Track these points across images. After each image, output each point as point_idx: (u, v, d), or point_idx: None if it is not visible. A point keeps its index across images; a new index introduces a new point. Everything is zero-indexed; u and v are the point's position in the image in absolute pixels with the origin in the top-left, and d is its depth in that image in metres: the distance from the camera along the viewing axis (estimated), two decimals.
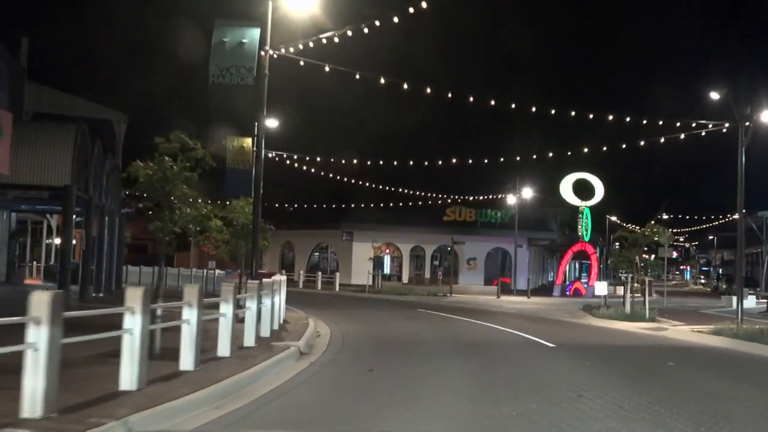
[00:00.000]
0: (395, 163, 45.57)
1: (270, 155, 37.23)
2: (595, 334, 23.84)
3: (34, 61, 39.34)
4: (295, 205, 59.85)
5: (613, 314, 29.37)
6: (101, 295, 29.46)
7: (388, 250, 61.66)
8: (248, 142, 33.55)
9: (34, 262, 46.32)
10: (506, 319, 28.41)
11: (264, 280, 19.78)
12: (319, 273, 53.72)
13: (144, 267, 53.73)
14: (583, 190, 54.55)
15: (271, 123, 34.02)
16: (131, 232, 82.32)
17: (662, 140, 27.48)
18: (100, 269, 32.40)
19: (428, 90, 25.51)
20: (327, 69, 22.83)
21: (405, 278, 60.29)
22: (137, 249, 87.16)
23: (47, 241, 45.22)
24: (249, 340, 15.06)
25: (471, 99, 26.83)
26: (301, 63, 20.68)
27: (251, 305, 15.36)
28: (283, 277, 23.42)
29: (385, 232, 59.37)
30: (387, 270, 61.80)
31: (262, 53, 21.64)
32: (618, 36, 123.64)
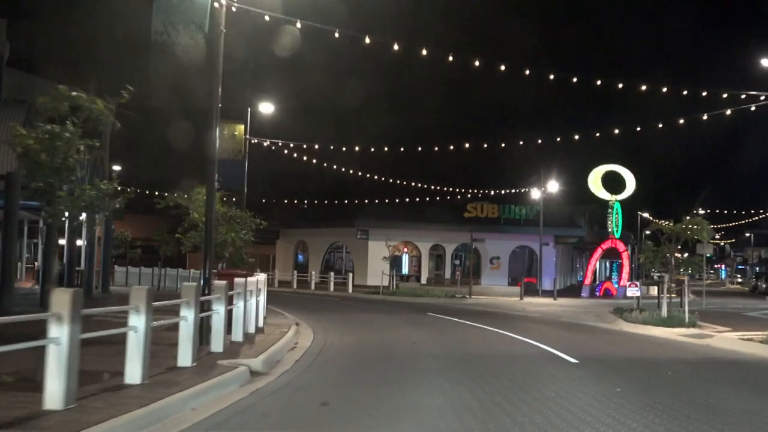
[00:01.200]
0: (413, 156, 42.30)
1: (272, 146, 34.11)
2: (628, 343, 20.39)
3: (18, 47, 36.52)
4: (306, 202, 56.75)
5: (648, 318, 25.90)
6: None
7: (405, 249, 58.34)
8: (240, 129, 30.45)
9: (35, 263, 43.61)
10: (526, 325, 25.02)
11: (236, 280, 16.62)
12: (332, 274, 50.47)
13: (144, 268, 50.80)
14: (613, 183, 50.81)
15: (266, 108, 30.91)
16: (146, 231, 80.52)
17: (705, 117, 23.97)
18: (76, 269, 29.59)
19: (449, 60, 21.80)
20: (336, 35, 19.30)
21: (424, 279, 56.90)
22: (151, 249, 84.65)
23: (35, 241, 42.36)
24: (184, 359, 11.81)
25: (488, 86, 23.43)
26: (266, 18, 17.15)
27: (187, 314, 12.09)
28: (262, 277, 20.09)
29: (403, 229, 56.16)
30: (405, 270, 58.51)
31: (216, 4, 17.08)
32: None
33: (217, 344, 13.72)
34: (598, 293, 51.13)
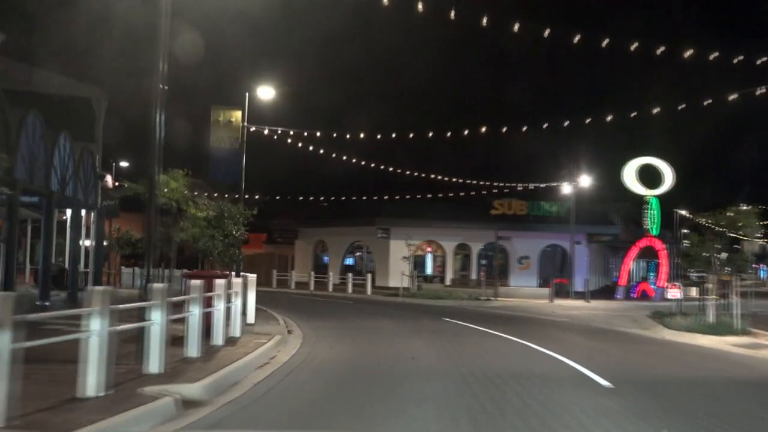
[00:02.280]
0: (438, 149, 39.51)
1: (276, 135, 31.32)
2: (672, 355, 17.32)
3: (12, 35, 34.14)
4: (322, 198, 54.03)
5: (693, 324, 22.81)
6: (47, 303, 23.74)
7: (429, 249, 55.34)
8: (237, 115, 27.70)
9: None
10: (552, 333, 22.00)
11: (192, 283, 13.81)
12: (350, 275, 47.58)
13: (141, 269, 48.06)
14: (649, 177, 47.49)
15: (266, 93, 28.10)
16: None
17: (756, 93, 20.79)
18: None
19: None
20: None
21: (448, 280, 53.85)
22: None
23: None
24: (88, 386, 8.93)
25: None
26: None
27: (97, 326, 9.20)
28: (251, 278, 17.20)
29: (426, 228, 53.13)
30: (429, 271, 55.50)
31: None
32: None
33: (153, 363, 10.87)
34: (633, 295, 47.89)
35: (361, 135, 37.22)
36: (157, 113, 12.13)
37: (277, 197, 57.34)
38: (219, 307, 14.53)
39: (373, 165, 43.81)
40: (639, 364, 15.49)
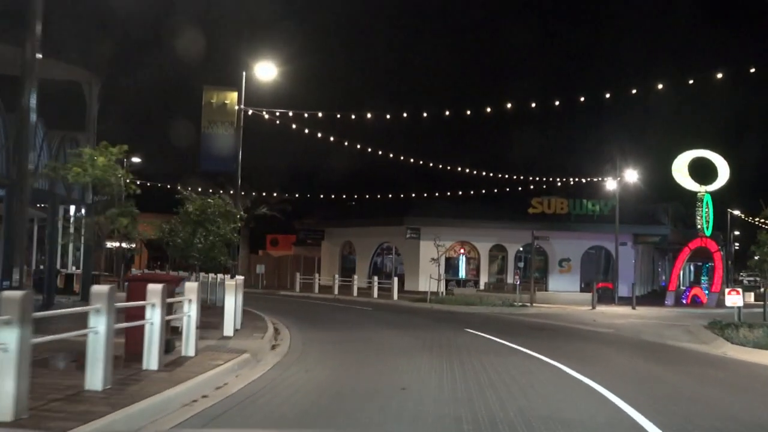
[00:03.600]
0: (471, 144, 35.95)
1: (276, 118, 27.92)
2: (748, 385, 13.59)
3: None
4: (344, 196, 50.67)
5: (762, 338, 18.95)
6: None
7: (462, 251, 51.64)
8: (233, 97, 24.36)
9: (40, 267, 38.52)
10: (592, 350, 18.31)
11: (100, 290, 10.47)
12: (375, 278, 44.03)
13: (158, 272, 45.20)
14: (702, 171, 43.25)
15: (267, 72, 24.73)
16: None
17: None
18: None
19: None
20: None
21: (483, 284, 50.05)
22: None
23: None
24: None
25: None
26: None
27: None
28: (193, 284, 13.69)
29: (459, 227, 49.54)
30: (462, 274, 51.81)
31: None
32: None
33: (4, 404, 7.47)
34: (684, 301, 43.73)
35: (386, 120, 33.68)
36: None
37: (308, 195, 54.26)
38: (153, 320, 11.12)
39: (402, 158, 40.02)
40: (706, 399, 11.73)
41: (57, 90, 29.58)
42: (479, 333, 20.97)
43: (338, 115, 29.34)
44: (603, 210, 49.53)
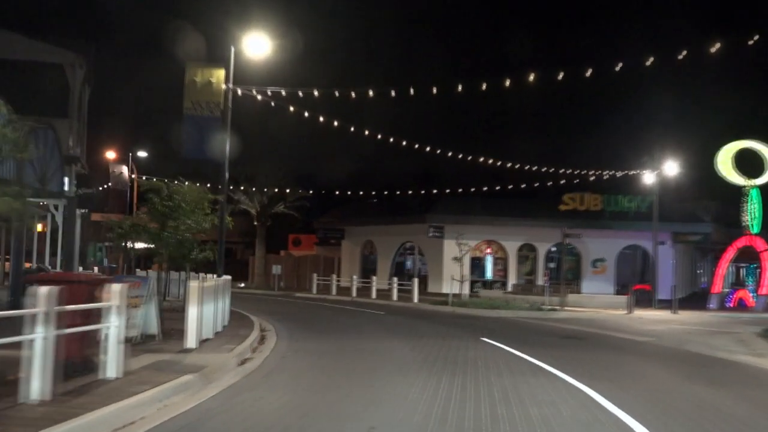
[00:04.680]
0: (497, 134, 32.91)
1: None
2: None
3: None
4: (362, 193, 47.76)
5: None
6: None
7: (489, 250, 48.52)
8: (219, 75, 21.57)
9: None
10: (631, 366, 15.27)
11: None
12: (395, 280, 41.04)
13: (173, 273, 42.36)
14: (748, 164, 39.75)
15: (259, 47, 21.91)
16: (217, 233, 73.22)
17: None
18: None
19: None
20: None
21: (510, 285, 46.88)
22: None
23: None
24: None
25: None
26: None
27: None
28: (117, 287, 10.76)
29: (485, 225, 46.41)
30: (489, 275, 48.69)
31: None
32: None
33: None
34: (729, 304, 40.31)
35: (406, 109, 30.70)
36: None
37: (322, 191, 51.53)
38: (38, 336, 8.31)
39: (424, 147, 36.83)
40: None
41: (37, 73, 27.17)
42: (497, 343, 17.97)
43: (351, 94, 26.13)
44: (640, 206, 46.20)
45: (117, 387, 9.59)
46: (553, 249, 47.76)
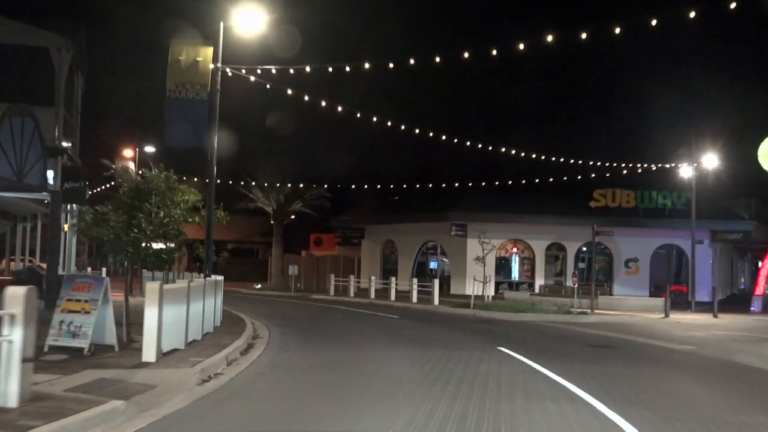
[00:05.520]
0: (523, 125, 30.36)
1: (266, 82, 22.88)
2: None
3: None
4: (378, 186, 45.39)
5: None
6: None
7: (515, 250, 46.02)
8: (207, 53, 19.35)
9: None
10: (673, 384, 12.86)
11: None
12: (414, 281, 38.64)
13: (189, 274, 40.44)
14: None
15: (250, 22, 19.67)
16: (241, 233, 71.23)
17: None
18: None
19: None
20: None
21: (537, 287, 44.36)
22: (241, 253, 75.23)
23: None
24: None
25: None
26: None
27: None
28: (18, 292, 8.50)
29: (511, 223, 44.03)
30: (515, 276, 46.20)
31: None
32: None
33: None
34: None
35: (425, 101, 28.31)
36: None
37: (338, 187, 49.26)
38: None
39: (444, 138, 34.30)
40: None
41: (20, 57, 25.17)
42: (515, 354, 15.57)
43: (361, 76, 23.76)
44: (676, 203, 43.62)
45: (7, 422, 7.39)
46: (584, 249, 45.28)
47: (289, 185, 49.14)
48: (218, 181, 42.40)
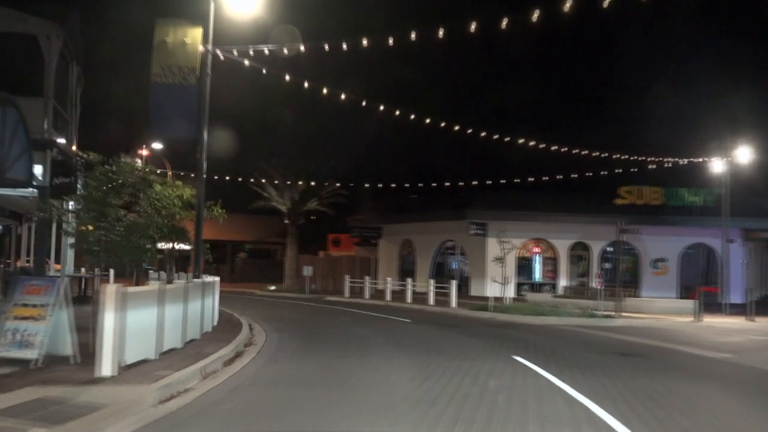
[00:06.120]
0: (544, 117, 28.48)
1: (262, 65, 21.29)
2: None
3: None
4: (393, 185, 43.74)
5: None
6: None
7: (537, 250, 44.21)
8: (196, 34, 17.78)
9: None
10: (712, 401, 11.11)
11: None
12: (432, 282, 36.90)
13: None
14: None
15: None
16: (258, 234, 69.82)
17: None
18: None
19: None
20: None
21: (561, 288, 42.53)
22: (259, 253, 73.78)
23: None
24: None
25: None
26: None
27: None
28: None
29: (533, 222, 42.33)
30: (537, 277, 44.39)
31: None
32: None
33: None
34: None
35: (441, 92, 26.60)
36: None
37: (351, 184, 47.65)
38: None
39: (473, 134, 32.38)
40: None
41: (7, 46, 23.75)
42: (532, 365, 13.84)
43: (375, 40, 21.90)
44: (706, 200, 41.64)
45: None
46: (609, 248, 43.41)
47: (301, 183, 47.51)
48: (226, 178, 40.84)
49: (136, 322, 11.31)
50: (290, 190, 48.70)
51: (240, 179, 46.48)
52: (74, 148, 26.38)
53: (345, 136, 53.87)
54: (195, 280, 17.22)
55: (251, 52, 18.11)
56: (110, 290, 10.64)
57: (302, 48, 18.60)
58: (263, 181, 47.57)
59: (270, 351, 15.52)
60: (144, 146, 41.28)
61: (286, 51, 18.51)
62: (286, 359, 14.33)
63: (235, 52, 18.39)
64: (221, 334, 17.26)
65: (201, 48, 17.58)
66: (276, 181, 47.58)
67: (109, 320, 10.55)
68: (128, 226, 13.29)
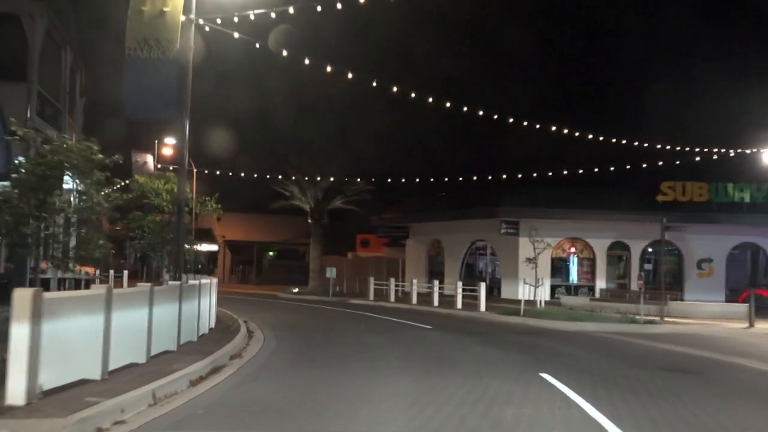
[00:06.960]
0: (582, 107, 25.85)
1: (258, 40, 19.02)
2: None
3: None
4: (417, 180, 41.37)
5: None
6: None
7: (573, 250, 41.62)
8: (176, 3, 15.54)
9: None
10: None
11: None
12: (459, 284, 34.50)
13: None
14: None
15: None
16: (286, 234, 67.84)
17: None
18: None
19: None
20: None
21: (598, 291, 39.90)
22: (286, 254, 71.81)
23: None
24: None
25: None
26: None
27: None
28: None
29: (568, 220, 39.86)
30: (573, 278, 41.79)
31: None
32: None
33: None
34: None
35: (466, 82, 24.23)
36: None
37: (373, 179, 45.32)
38: None
39: (498, 121, 29.60)
40: None
41: None
42: (561, 386, 11.38)
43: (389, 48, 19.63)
44: (755, 196, 38.82)
45: None
46: (650, 249, 40.75)
47: (322, 179, 45.28)
48: (242, 174, 38.70)
49: (64, 335, 9.09)
50: (313, 188, 46.60)
51: (268, 176, 44.29)
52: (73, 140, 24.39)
53: (371, 131, 51.56)
54: (171, 282, 15.03)
55: (236, 19, 15.83)
56: (21, 295, 8.40)
57: (290, 9, 16.29)
58: (291, 178, 45.47)
59: (255, 366, 13.28)
60: (163, 143, 39.12)
61: (272, 15, 16.22)
62: (268, 377, 12.05)
63: (218, 21, 16.10)
64: (206, 345, 15.04)
65: (182, 17, 15.38)
66: (293, 178, 45.45)
67: (21, 334, 8.32)
68: (81, 217, 11.12)
